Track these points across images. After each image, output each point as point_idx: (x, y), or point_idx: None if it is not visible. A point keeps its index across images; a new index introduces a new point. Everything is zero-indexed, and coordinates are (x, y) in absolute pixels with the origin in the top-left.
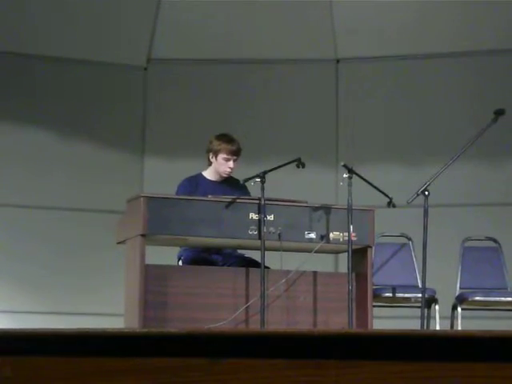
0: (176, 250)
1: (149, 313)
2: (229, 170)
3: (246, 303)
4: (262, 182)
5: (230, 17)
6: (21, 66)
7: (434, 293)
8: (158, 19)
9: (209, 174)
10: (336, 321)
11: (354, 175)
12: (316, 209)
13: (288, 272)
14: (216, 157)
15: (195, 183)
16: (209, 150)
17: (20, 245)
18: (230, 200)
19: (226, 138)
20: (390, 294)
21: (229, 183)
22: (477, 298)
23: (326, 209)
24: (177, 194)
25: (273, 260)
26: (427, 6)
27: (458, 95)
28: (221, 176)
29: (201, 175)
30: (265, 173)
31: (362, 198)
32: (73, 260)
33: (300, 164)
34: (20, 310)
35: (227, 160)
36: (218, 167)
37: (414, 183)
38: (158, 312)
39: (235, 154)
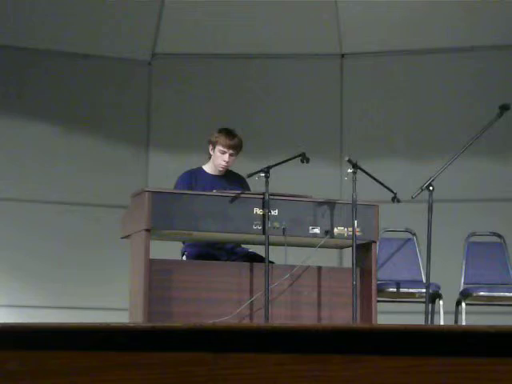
0: (180, 245)
1: (153, 307)
2: (224, 163)
3: (251, 298)
4: (267, 177)
5: (234, 11)
6: (25, 60)
7: (438, 288)
8: (163, 14)
9: (208, 167)
10: (340, 315)
11: (358, 170)
12: (320, 204)
13: (292, 267)
14: (214, 149)
15: (194, 177)
16: (209, 142)
17: (25, 239)
18: (234, 195)
19: (226, 131)
20: (395, 289)
21: (228, 177)
22: (481, 293)
23: (331, 204)
24: (175, 186)
25: (277, 255)
26: (432, 0)
27: (462, 90)
28: (218, 169)
29: (201, 169)
30: (269, 168)
31: (367, 192)
32: (77, 254)
33: (304, 159)
34: (25, 305)
35: (223, 153)
36: (215, 159)
37: (418, 178)
38: (162, 306)
39: (231, 147)
